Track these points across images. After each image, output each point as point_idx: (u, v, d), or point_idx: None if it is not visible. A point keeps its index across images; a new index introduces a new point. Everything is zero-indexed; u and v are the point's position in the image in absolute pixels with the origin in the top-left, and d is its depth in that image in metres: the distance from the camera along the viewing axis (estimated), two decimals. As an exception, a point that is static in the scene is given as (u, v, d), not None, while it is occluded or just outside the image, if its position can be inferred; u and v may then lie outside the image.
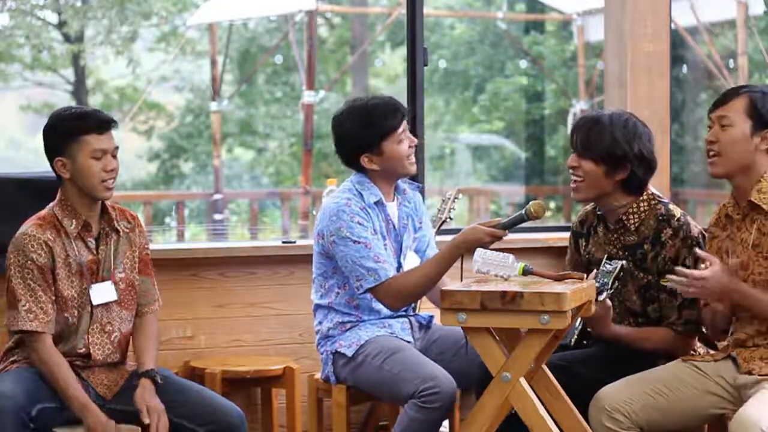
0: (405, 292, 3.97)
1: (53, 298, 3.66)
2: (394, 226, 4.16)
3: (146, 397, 3.64)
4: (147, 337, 3.82)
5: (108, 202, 3.80)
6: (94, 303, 3.71)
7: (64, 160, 3.68)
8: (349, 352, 4.05)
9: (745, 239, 3.66)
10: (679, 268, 3.57)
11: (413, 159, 4.12)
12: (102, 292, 3.73)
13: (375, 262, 3.97)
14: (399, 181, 4.21)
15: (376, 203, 4.11)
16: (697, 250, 3.68)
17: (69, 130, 3.68)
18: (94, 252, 3.74)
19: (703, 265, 3.58)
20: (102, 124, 3.69)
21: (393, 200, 4.19)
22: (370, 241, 4.00)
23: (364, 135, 4.06)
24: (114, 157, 3.71)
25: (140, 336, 3.82)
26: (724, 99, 3.69)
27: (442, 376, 3.84)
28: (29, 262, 3.63)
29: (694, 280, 3.51)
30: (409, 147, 4.09)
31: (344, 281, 4.09)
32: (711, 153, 3.69)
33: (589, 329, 3.94)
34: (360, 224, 4.01)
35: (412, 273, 4.01)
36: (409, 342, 4.13)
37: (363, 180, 4.12)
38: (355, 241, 3.99)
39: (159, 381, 3.68)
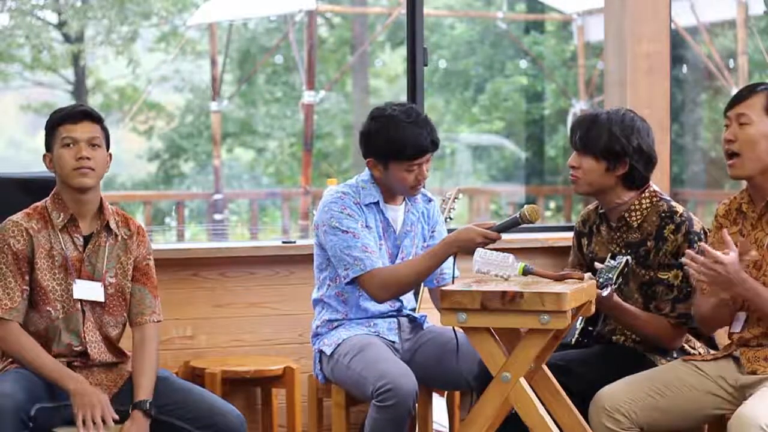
0: (391, 283, 3.98)
1: (26, 288, 3.67)
2: (394, 230, 4.17)
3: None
4: (144, 359, 3.73)
5: (111, 207, 3.82)
6: (75, 297, 3.69)
7: (49, 154, 3.76)
8: (329, 351, 4.09)
9: (760, 239, 3.63)
10: (702, 244, 3.49)
11: (419, 188, 4.11)
12: (85, 290, 3.72)
13: (362, 252, 3.99)
14: None
15: (373, 204, 4.12)
16: (724, 231, 3.55)
17: (48, 124, 3.77)
18: (80, 249, 3.74)
19: (720, 253, 3.46)
20: (74, 114, 3.74)
21: (400, 204, 4.20)
22: (358, 232, 4.02)
23: (380, 144, 4.05)
24: (92, 147, 3.71)
25: (137, 356, 3.76)
26: (741, 96, 3.63)
27: (397, 374, 3.82)
28: (6, 246, 3.66)
29: (714, 263, 3.41)
30: (417, 179, 4.07)
31: (335, 274, 4.12)
32: (730, 152, 3.63)
33: (590, 328, 3.94)
34: (350, 216, 4.05)
35: (401, 265, 4.04)
36: (393, 342, 4.13)
37: (367, 180, 4.15)
38: (343, 231, 4.02)
39: (152, 414, 3.64)
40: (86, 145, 3.71)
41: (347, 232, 4.02)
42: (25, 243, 3.68)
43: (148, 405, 3.64)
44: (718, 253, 3.43)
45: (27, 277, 3.68)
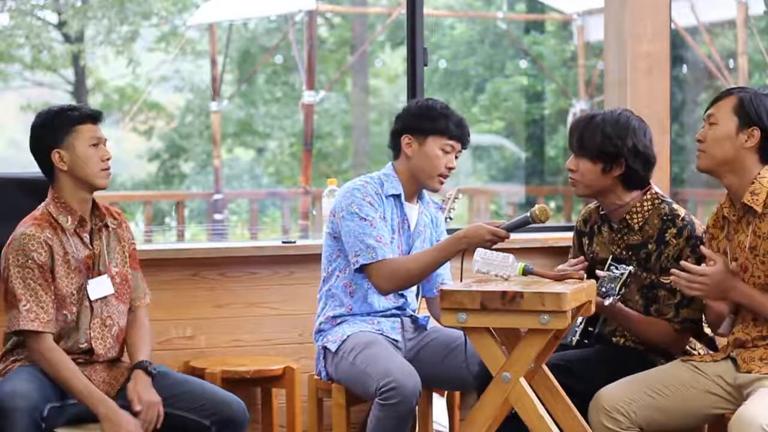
0: (399, 275, 4.00)
1: (53, 297, 3.67)
2: (408, 227, 4.18)
3: (138, 388, 3.64)
4: (140, 332, 3.83)
5: (95, 199, 3.83)
6: (92, 298, 3.72)
7: (62, 151, 3.71)
8: (333, 348, 4.09)
9: (742, 241, 3.66)
10: (683, 263, 3.57)
11: (443, 179, 4.14)
12: (99, 287, 3.75)
13: (376, 241, 4.02)
14: (426, 194, 4.27)
15: (394, 196, 4.14)
16: (702, 247, 3.69)
17: (65, 121, 3.73)
18: (90, 246, 3.76)
19: (704, 264, 3.59)
20: (94, 114, 3.77)
21: (415, 204, 4.23)
22: (375, 221, 4.05)
23: (424, 114, 4.13)
24: (107, 147, 3.79)
25: (133, 331, 3.84)
26: (715, 99, 3.73)
27: (400, 372, 3.82)
28: (30, 261, 3.63)
29: (697, 277, 3.52)
30: (446, 167, 4.11)
31: (346, 264, 4.13)
32: (699, 150, 3.73)
33: (590, 328, 3.94)
34: (371, 204, 4.07)
35: (409, 258, 4.05)
36: (396, 341, 4.14)
37: (389, 173, 4.18)
38: (361, 218, 4.04)
39: (152, 372, 3.69)
40: (105, 146, 3.76)
41: (365, 219, 4.04)
42: (47, 255, 3.66)
43: (148, 364, 3.69)
44: (699, 267, 3.55)
45: (52, 287, 3.68)
